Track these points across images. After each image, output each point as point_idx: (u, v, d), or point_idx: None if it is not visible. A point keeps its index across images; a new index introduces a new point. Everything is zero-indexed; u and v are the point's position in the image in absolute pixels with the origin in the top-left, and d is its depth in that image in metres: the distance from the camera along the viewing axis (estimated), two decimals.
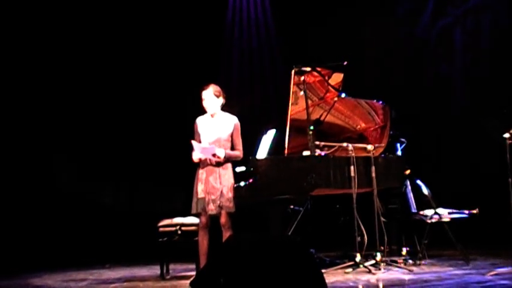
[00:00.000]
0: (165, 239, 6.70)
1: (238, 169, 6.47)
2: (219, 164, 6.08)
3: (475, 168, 8.97)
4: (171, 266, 7.03)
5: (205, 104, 6.20)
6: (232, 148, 6.17)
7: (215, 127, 6.17)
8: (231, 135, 6.17)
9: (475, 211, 6.67)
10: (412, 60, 9.76)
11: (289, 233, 6.97)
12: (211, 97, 6.17)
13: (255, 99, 10.32)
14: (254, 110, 10.21)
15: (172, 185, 9.37)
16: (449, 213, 6.71)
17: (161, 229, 6.73)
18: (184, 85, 9.22)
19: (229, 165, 6.16)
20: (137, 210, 9.82)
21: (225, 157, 6.06)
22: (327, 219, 8.14)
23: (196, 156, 6.06)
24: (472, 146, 9.02)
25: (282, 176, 6.18)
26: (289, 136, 6.65)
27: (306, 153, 6.35)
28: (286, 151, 6.63)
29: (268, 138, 6.89)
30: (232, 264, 4.17)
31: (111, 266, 8.20)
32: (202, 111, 6.28)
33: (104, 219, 9.64)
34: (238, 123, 6.23)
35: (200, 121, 6.27)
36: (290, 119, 6.66)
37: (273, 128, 6.97)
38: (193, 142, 6.04)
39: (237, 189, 6.18)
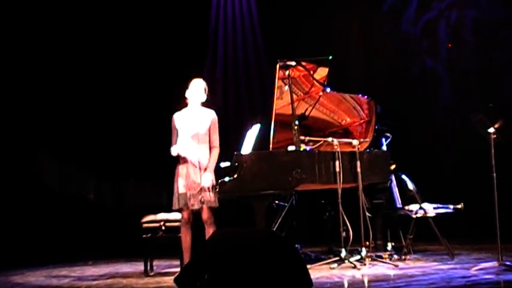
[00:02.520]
0: (149, 235, 6.67)
1: (223, 164, 6.46)
2: (200, 159, 6.06)
3: (460, 163, 9.01)
4: (155, 263, 7.01)
5: (190, 94, 6.19)
6: (209, 143, 6.15)
7: (193, 122, 6.16)
8: (209, 130, 6.16)
9: (459, 206, 6.68)
10: (397, 55, 9.77)
11: (274, 229, 6.97)
12: (200, 89, 6.19)
13: (240, 94, 10.30)
14: (239, 105, 10.20)
15: (156, 180, 9.34)
16: (434, 208, 6.72)
17: (145, 225, 6.71)
18: (169, 79, 9.21)
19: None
20: (121, 206, 9.78)
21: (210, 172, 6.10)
22: (312, 214, 8.15)
23: (175, 151, 6.06)
24: (458, 140, 9.05)
25: (266, 171, 6.17)
26: (274, 131, 6.65)
27: (291, 148, 6.34)
28: (271, 146, 6.62)
29: (253, 133, 6.87)
30: (216, 260, 4.17)
31: (94, 262, 8.17)
32: (184, 106, 6.27)
33: (87, 215, 9.60)
34: (216, 118, 6.22)
35: (177, 117, 6.25)
36: (275, 114, 6.65)
37: (257, 123, 6.95)
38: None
39: (221, 185, 6.17)
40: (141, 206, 8.60)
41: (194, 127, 6.13)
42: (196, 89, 6.21)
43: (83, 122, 9.84)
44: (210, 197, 6.02)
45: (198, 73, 6.71)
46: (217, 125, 6.21)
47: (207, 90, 6.27)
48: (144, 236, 6.68)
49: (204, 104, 6.28)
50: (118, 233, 9.07)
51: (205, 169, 6.07)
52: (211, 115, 6.22)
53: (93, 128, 9.83)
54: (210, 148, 6.16)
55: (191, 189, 6.02)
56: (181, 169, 6.10)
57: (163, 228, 6.64)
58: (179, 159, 6.13)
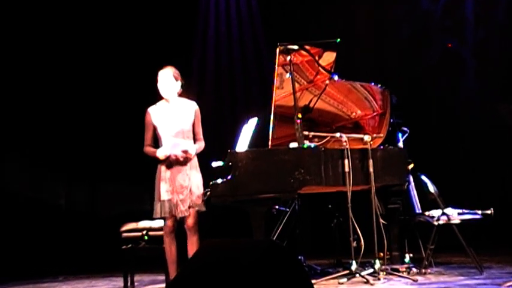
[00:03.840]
0: (129, 245, 6.69)
1: (215, 164, 6.50)
2: (186, 160, 6.11)
3: (488, 162, 9.04)
4: (137, 277, 7.04)
5: (161, 86, 6.21)
6: (194, 138, 6.20)
7: (175, 117, 6.18)
8: (192, 124, 6.21)
9: (489, 211, 6.70)
10: (415, 37, 9.81)
11: (274, 238, 7.01)
12: (169, 79, 6.18)
13: (234, 83, 10.33)
14: (233, 95, 10.23)
15: (138, 184, 9.38)
16: (459, 213, 6.72)
17: (125, 234, 6.72)
18: (150, 66, 9.23)
19: (195, 159, 6.21)
20: (97, 213, 9.82)
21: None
22: (318, 221, 8.19)
23: (163, 152, 6.08)
24: (485, 135, 9.09)
25: (265, 172, 6.19)
26: (273, 125, 6.68)
27: (293, 145, 6.37)
28: (270, 143, 6.66)
29: (249, 128, 6.89)
30: (207, 275, 4.20)
31: (65, 278, 8.20)
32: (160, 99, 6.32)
33: (58, 223, 9.63)
34: (198, 109, 6.25)
35: (154, 111, 6.24)
36: (274, 106, 6.68)
37: (254, 117, 6.98)
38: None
39: (213, 187, 6.22)
40: (120, 213, 8.66)
41: (177, 123, 6.15)
42: (164, 80, 6.21)
43: (52, 120, 9.86)
44: (199, 199, 6.07)
45: (186, 61, 6.76)
46: (200, 118, 6.25)
47: (179, 75, 6.27)
48: (123, 246, 6.69)
49: (182, 94, 6.31)
50: (93, 244, 9.11)
51: (192, 164, 6.12)
52: (193, 107, 6.25)
53: (63, 125, 9.86)
54: (195, 141, 6.22)
55: (178, 194, 6.04)
56: (164, 172, 6.12)
57: (145, 237, 6.65)
58: (162, 161, 6.15)
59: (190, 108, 6.22)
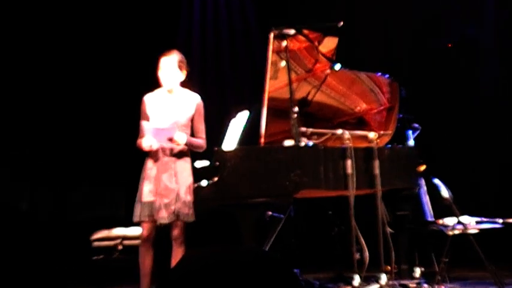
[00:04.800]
0: (101, 256, 6.67)
1: (199, 164, 6.47)
2: (176, 157, 6.07)
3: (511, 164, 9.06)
4: None
5: (162, 74, 6.19)
6: (192, 135, 6.17)
7: (171, 108, 6.17)
8: (192, 119, 6.17)
9: (511, 220, 6.72)
10: (428, 21, 9.80)
11: (267, 248, 6.99)
12: (173, 67, 6.18)
13: (222, 71, 10.32)
14: (221, 86, 10.22)
15: (111, 185, 9.35)
16: (476, 222, 6.75)
17: (96, 243, 6.71)
18: (130, 52, 9.24)
19: (188, 158, 6.20)
20: (63, 218, 9.78)
21: (185, 144, 6.05)
22: (316, 229, 8.18)
23: (148, 142, 6.03)
24: (507, 134, 9.09)
25: (257, 173, 6.15)
26: (266, 120, 6.65)
27: (289, 142, 6.35)
28: (262, 140, 6.63)
29: (238, 123, 6.88)
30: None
31: None
32: (156, 87, 6.28)
33: (18, 229, 9.58)
34: (202, 103, 6.26)
35: (149, 99, 6.25)
36: (268, 98, 6.64)
37: (245, 110, 6.96)
38: (144, 123, 6.02)
39: (197, 190, 6.18)
40: (91, 218, 8.62)
41: (172, 115, 6.14)
42: (167, 69, 6.19)
43: (11, 112, 9.83)
44: (187, 209, 6.02)
45: (165, 47, 6.71)
46: (203, 113, 6.25)
47: (185, 64, 6.26)
48: (94, 257, 6.67)
49: (184, 85, 6.28)
50: (59, 254, 9.07)
51: (182, 165, 6.10)
52: (195, 100, 6.24)
53: (24, 118, 9.83)
54: None
55: (162, 197, 6.00)
56: (150, 170, 6.10)
57: (119, 247, 6.64)
58: (147, 156, 6.13)
59: (191, 101, 6.22)
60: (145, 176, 6.10)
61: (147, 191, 6.04)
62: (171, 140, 5.97)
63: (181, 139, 6.00)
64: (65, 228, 9.39)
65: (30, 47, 9.90)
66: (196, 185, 6.21)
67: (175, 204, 6.00)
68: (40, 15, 9.95)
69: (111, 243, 6.66)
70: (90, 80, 9.82)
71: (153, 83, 6.27)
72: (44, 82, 9.91)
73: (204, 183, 6.24)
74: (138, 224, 6.21)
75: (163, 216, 5.98)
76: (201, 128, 6.22)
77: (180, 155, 6.11)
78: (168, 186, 6.02)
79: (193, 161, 6.32)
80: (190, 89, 6.31)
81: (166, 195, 6.01)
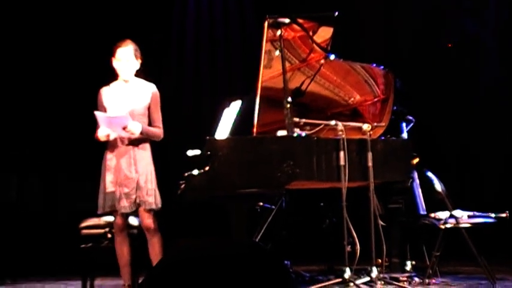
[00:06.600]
0: (90, 244, 6.66)
1: (191, 153, 6.48)
2: (135, 145, 6.10)
3: (505, 159, 9.07)
4: (97, 282, 7.01)
5: (119, 66, 6.20)
6: (150, 125, 6.19)
7: (126, 97, 6.18)
8: (148, 108, 6.20)
9: (504, 215, 6.73)
10: (427, 15, 9.81)
11: (257, 239, 7.02)
12: (130, 57, 6.19)
13: (215, 60, 10.31)
14: (213, 75, 10.21)
15: (99, 175, 9.36)
16: (469, 216, 6.76)
17: (84, 231, 6.67)
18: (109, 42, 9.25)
19: (147, 146, 6.21)
20: (52, 207, 9.79)
21: (141, 133, 6.08)
22: (307, 221, 8.21)
23: (103, 132, 6.06)
24: (504, 129, 9.11)
25: (248, 163, 6.17)
26: (259, 110, 6.65)
27: (282, 133, 6.38)
28: (255, 130, 6.66)
29: (231, 112, 6.91)
30: (177, 283, 4.20)
31: (13, 281, 8.18)
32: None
33: (7, 219, 9.59)
34: (157, 93, 6.26)
35: (106, 92, 6.26)
36: (261, 88, 6.66)
37: (237, 99, 6.98)
38: (97, 113, 6.03)
39: (188, 179, 6.21)
40: (79, 208, 8.62)
41: (127, 104, 6.14)
42: (125, 59, 6.19)
43: None
44: (149, 196, 6.06)
45: (160, 35, 6.74)
46: (159, 102, 6.26)
47: (139, 54, 6.26)
48: (82, 245, 6.64)
49: (139, 75, 6.31)
50: (47, 242, 9.08)
51: (141, 153, 6.13)
52: (150, 89, 6.26)
53: (10, 109, 9.84)
54: None
55: (122, 187, 6.03)
56: (110, 161, 6.12)
57: (108, 235, 6.61)
58: (106, 146, 6.16)
59: (146, 90, 6.23)
60: (106, 167, 6.13)
61: (108, 182, 6.08)
62: (125, 128, 6.00)
63: (136, 128, 6.00)
64: (54, 216, 9.39)
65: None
66: (187, 173, 6.25)
67: (136, 193, 6.03)
68: (40, 15, 9.95)
69: (100, 231, 6.65)
70: (80, 70, 9.80)
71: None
72: (31, 74, 9.90)
73: (195, 172, 6.26)
74: (104, 215, 6.26)
75: (125, 206, 6.01)
76: (157, 117, 6.21)
77: (138, 143, 6.11)
78: (127, 176, 6.04)
79: (185, 150, 6.35)
80: (180, 78, 6.32)
81: (126, 184, 6.04)
